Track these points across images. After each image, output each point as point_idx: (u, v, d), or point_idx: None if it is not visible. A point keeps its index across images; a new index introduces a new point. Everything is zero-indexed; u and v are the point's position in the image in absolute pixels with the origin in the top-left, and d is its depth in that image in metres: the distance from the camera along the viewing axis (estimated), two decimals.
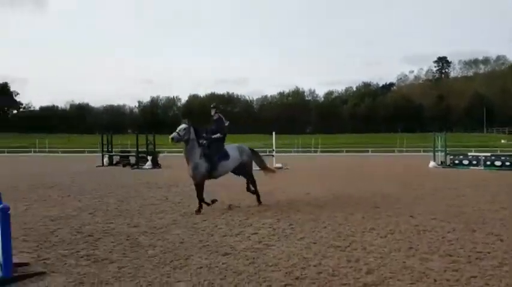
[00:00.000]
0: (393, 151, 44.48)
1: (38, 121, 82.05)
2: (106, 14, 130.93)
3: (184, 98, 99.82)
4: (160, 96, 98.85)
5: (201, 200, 7.58)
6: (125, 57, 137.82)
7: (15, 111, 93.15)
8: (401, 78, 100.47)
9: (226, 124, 8.15)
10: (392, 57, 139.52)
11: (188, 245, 5.10)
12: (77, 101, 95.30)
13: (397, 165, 22.25)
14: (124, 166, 20.63)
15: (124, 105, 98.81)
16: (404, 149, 45.64)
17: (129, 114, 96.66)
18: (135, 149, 20.55)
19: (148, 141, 20.22)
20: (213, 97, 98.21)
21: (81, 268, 4.21)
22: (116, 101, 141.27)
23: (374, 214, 7.17)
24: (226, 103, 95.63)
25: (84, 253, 4.76)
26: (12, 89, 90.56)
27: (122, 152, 24.35)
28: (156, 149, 21.27)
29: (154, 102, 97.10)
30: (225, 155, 7.89)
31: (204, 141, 7.72)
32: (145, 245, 5.09)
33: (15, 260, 3.92)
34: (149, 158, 19.52)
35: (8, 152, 44.15)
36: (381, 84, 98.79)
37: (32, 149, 46.02)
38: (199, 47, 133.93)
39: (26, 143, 49.21)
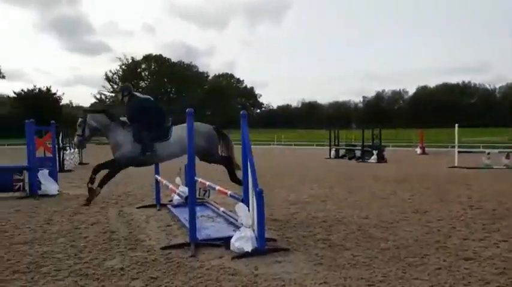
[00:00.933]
0: None
1: (276, 118, 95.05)
2: (328, 20, 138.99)
3: (411, 91, 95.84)
4: (386, 90, 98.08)
5: (101, 185, 6.56)
6: (348, 55, 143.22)
7: (258, 111, 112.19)
8: None
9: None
10: None
11: (423, 244, 4.81)
12: (307, 100, 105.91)
13: None
14: (350, 159, 21.31)
15: (349, 101, 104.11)
16: None
17: (354, 109, 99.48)
18: (361, 143, 21.03)
19: (374, 135, 20.32)
20: (445, 87, 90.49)
21: (319, 250, 4.53)
22: (341, 97, 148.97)
23: None
24: (460, 94, 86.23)
25: (320, 237, 5.11)
26: (256, 92, 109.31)
27: (347, 145, 25.26)
28: (382, 144, 20.97)
29: (379, 96, 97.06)
30: (163, 134, 6.51)
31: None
32: (377, 238, 5.08)
33: (266, 235, 4.53)
34: (374, 152, 19.42)
35: (253, 145, 51.87)
36: None
37: (271, 143, 52.80)
38: (419, 37, 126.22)
39: (267, 137, 56.68)
